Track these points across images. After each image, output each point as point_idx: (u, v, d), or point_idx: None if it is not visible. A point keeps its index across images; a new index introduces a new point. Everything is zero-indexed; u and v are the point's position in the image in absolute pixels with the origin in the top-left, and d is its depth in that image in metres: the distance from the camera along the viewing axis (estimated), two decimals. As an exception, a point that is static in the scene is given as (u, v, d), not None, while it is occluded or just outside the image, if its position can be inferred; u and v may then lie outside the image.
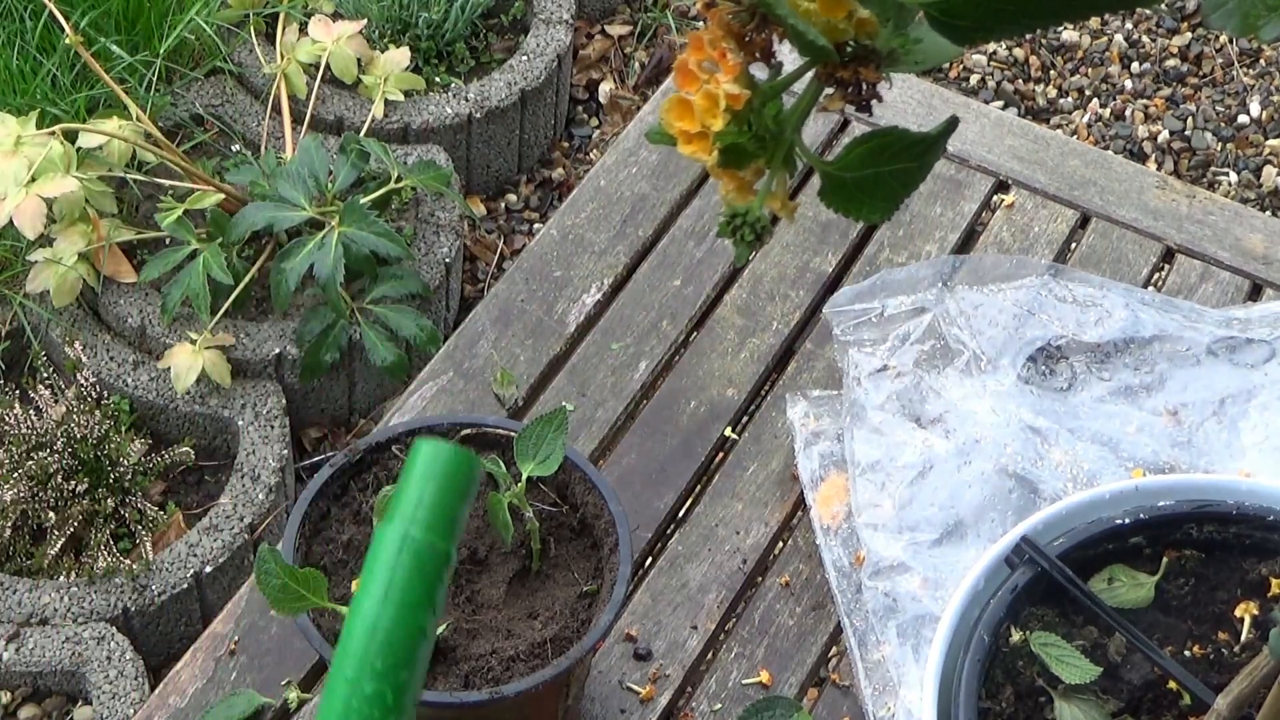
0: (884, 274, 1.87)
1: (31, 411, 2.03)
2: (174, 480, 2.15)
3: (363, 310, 2.19)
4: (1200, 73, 2.83)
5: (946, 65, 2.81)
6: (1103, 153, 2.10)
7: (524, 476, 1.46)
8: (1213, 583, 1.41)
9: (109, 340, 2.17)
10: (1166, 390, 1.79)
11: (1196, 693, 1.33)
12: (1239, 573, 1.41)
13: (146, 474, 2.05)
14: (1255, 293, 1.94)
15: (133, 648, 1.91)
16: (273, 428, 2.10)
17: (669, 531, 1.71)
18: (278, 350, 2.16)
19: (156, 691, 1.60)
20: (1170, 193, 2.02)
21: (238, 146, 2.37)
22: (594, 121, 2.73)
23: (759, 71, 0.74)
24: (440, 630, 1.43)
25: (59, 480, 1.98)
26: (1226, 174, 2.68)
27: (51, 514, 1.98)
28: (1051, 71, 2.83)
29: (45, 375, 2.09)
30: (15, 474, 1.97)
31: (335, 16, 2.47)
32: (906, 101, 2.10)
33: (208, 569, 1.98)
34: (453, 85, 2.54)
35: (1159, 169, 2.67)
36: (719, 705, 1.59)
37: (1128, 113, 2.76)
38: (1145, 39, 2.87)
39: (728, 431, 1.79)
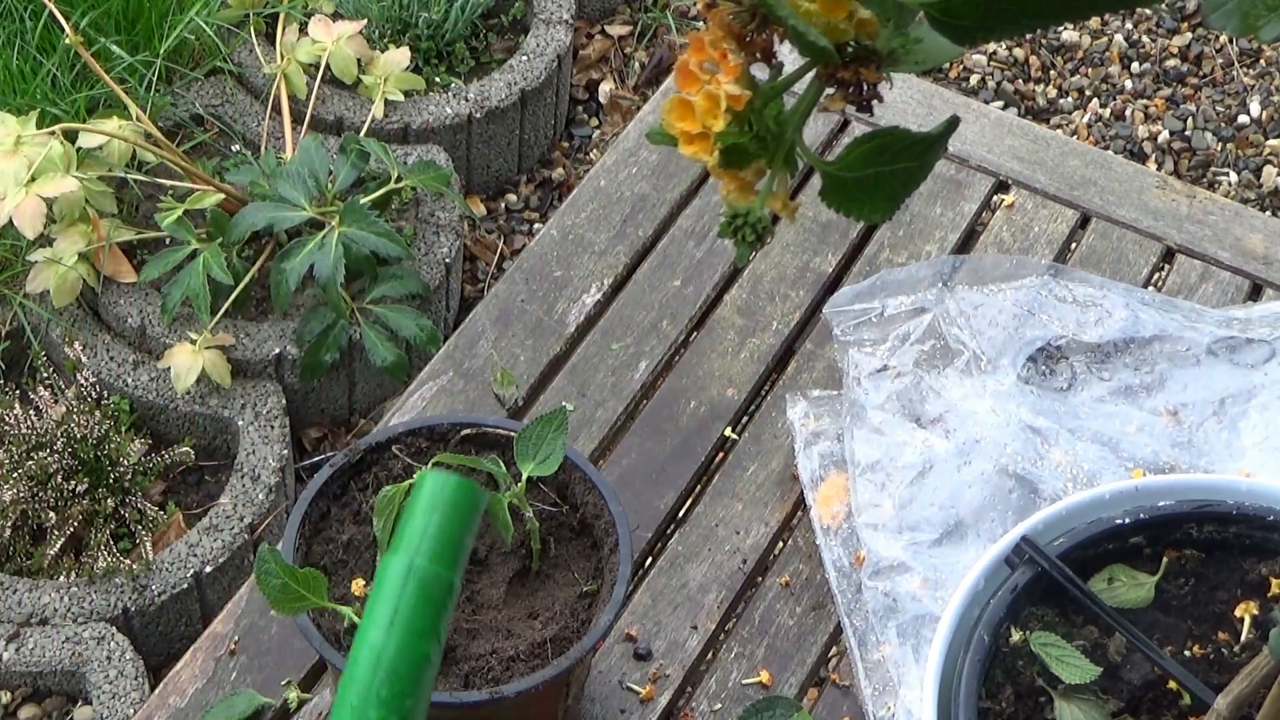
0: (884, 274, 1.87)
1: (31, 411, 2.03)
2: (174, 480, 2.15)
3: (363, 310, 2.19)
4: (1200, 73, 2.83)
5: (947, 65, 2.81)
6: (1103, 153, 2.10)
7: (524, 476, 1.46)
8: (1213, 583, 1.41)
9: (109, 340, 2.17)
10: (1166, 390, 1.79)
11: (1196, 693, 1.33)
12: (1239, 573, 1.41)
13: (146, 474, 2.05)
14: (1255, 293, 1.94)
15: (133, 648, 1.91)
16: (273, 428, 2.10)
17: (669, 531, 1.71)
18: (278, 350, 2.16)
19: (156, 691, 1.60)
20: (1170, 193, 2.02)
21: (238, 146, 2.37)
22: (594, 121, 2.73)
23: (760, 72, 0.74)
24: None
25: (59, 480, 1.98)
26: (1226, 174, 2.68)
27: (51, 514, 1.98)
28: (1051, 71, 2.83)
29: (45, 375, 2.09)
30: (15, 474, 1.97)
31: (335, 16, 2.47)
32: (907, 101, 2.10)
33: (208, 569, 1.98)
34: (453, 85, 2.54)
35: (1159, 169, 2.67)
36: (719, 705, 1.59)
37: (1128, 113, 2.76)
38: (1145, 39, 2.87)
39: (728, 431, 1.79)
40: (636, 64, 2.80)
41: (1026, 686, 1.35)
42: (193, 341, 2.11)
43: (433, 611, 0.74)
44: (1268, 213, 2.42)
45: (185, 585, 1.97)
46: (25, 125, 2.10)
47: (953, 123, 0.74)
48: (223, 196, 2.20)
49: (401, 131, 2.42)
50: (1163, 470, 1.70)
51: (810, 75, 0.73)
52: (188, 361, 2.09)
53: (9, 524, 1.98)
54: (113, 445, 2.02)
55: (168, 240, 2.19)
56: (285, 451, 2.09)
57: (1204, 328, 1.83)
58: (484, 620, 1.46)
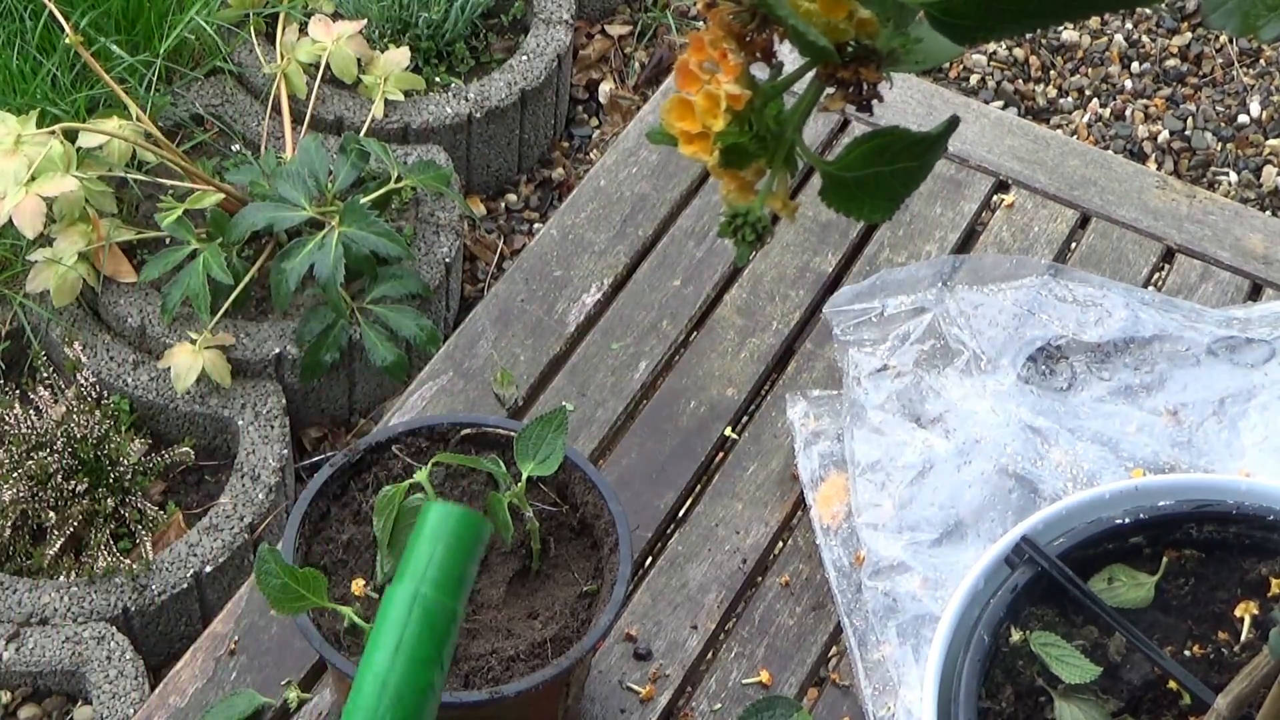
0: (884, 274, 1.87)
1: (31, 411, 2.03)
2: (174, 480, 2.15)
3: (363, 310, 2.19)
4: (1200, 73, 2.83)
5: (947, 65, 2.81)
6: (1103, 153, 2.10)
7: (524, 476, 1.46)
8: (1213, 582, 1.41)
9: (109, 340, 2.17)
10: (1166, 390, 1.79)
11: (1196, 692, 1.33)
12: (1239, 572, 1.41)
13: (146, 474, 2.05)
14: (1255, 293, 1.94)
15: (133, 647, 1.91)
16: (273, 428, 2.10)
17: (669, 531, 1.71)
18: (278, 350, 2.16)
19: (156, 691, 1.60)
20: (1170, 193, 2.02)
21: (238, 146, 2.37)
22: (594, 121, 2.73)
23: (760, 72, 0.74)
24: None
25: (59, 480, 1.98)
26: (1226, 174, 2.68)
27: (51, 514, 1.98)
28: (1051, 71, 2.83)
29: (45, 375, 2.09)
30: (15, 474, 1.97)
31: (335, 16, 2.47)
32: (907, 101, 2.10)
33: (208, 569, 1.98)
34: (453, 85, 2.54)
35: (1159, 169, 2.67)
36: (719, 705, 1.59)
37: (1128, 113, 2.76)
38: (1145, 39, 2.87)
39: (728, 431, 1.79)
40: (636, 64, 2.80)
41: (1026, 686, 1.35)
42: (193, 341, 2.11)
43: (437, 640, 0.75)
44: (1268, 212, 2.42)
45: (185, 585, 1.97)
46: (25, 125, 2.10)
47: (952, 122, 0.74)
48: (223, 196, 2.20)
49: (401, 131, 2.42)
50: (1163, 470, 1.70)
51: (810, 75, 0.73)
52: (188, 361, 2.09)
53: (9, 524, 1.98)
54: (113, 445, 2.02)
55: (168, 240, 2.19)
56: (285, 451, 2.09)
57: (1204, 328, 1.83)
58: (484, 620, 1.46)
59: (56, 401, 2.05)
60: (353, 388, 2.26)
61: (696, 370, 1.84)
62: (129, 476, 2.02)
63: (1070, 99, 2.79)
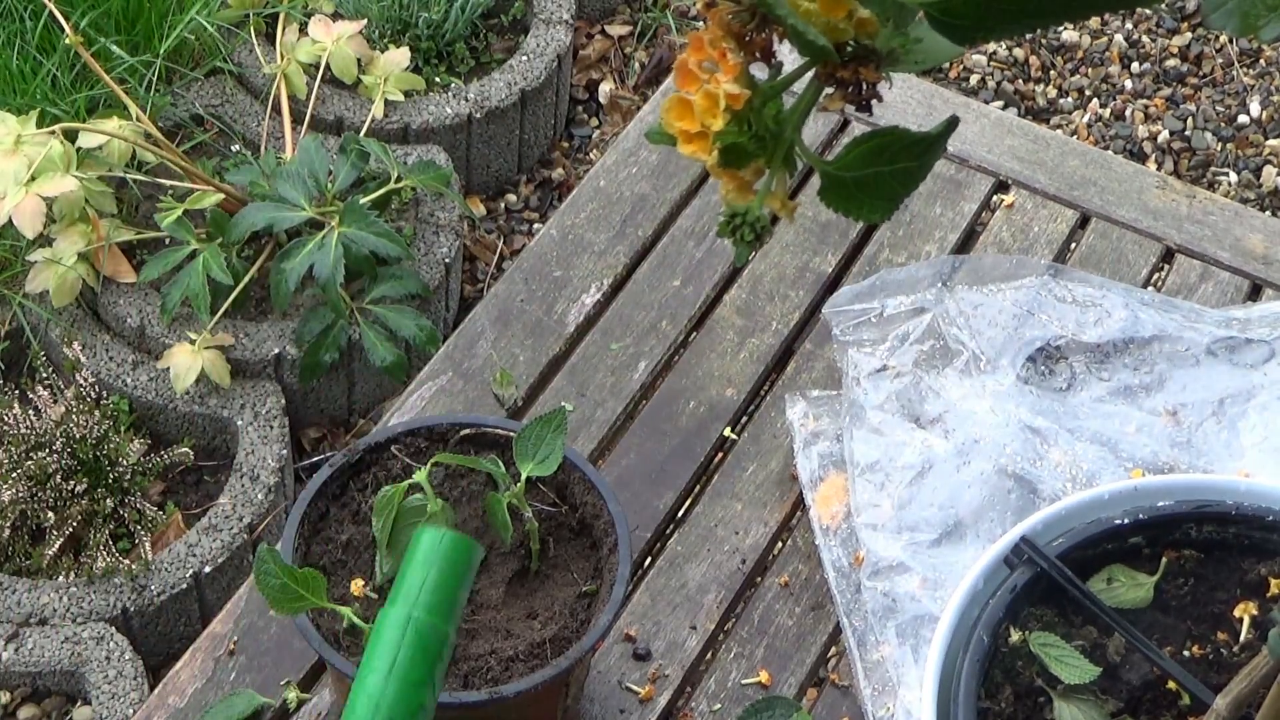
0: (884, 274, 1.87)
1: (30, 412, 2.03)
2: (173, 480, 2.15)
3: (362, 310, 2.19)
4: (1200, 73, 2.83)
5: (946, 65, 2.81)
6: (1103, 153, 2.10)
7: (523, 476, 1.46)
8: (1212, 583, 1.41)
9: (108, 340, 2.17)
10: (1166, 390, 1.78)
11: (1196, 693, 1.33)
12: (1238, 573, 1.41)
13: (146, 474, 2.05)
14: (1255, 293, 1.94)
15: (132, 648, 1.91)
16: (272, 428, 2.10)
17: (668, 531, 1.71)
18: (277, 350, 2.16)
19: (156, 691, 1.60)
20: (1170, 193, 2.02)
21: (238, 146, 2.37)
22: (594, 121, 2.73)
23: (759, 71, 0.74)
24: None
25: (58, 480, 1.98)
26: (1226, 174, 2.68)
27: (50, 514, 1.98)
28: (1051, 71, 2.83)
29: (45, 375, 2.09)
30: (14, 474, 1.97)
31: (335, 16, 2.47)
32: (907, 101, 2.10)
33: (207, 569, 1.98)
34: (453, 85, 2.54)
35: (1159, 169, 2.67)
36: (718, 705, 1.59)
37: (1128, 113, 2.76)
38: (1145, 39, 2.87)
39: (727, 431, 1.79)
40: (636, 64, 2.80)
41: (1026, 687, 1.35)
42: (192, 341, 2.11)
43: (429, 662, 0.77)
44: (1267, 213, 2.42)
45: (184, 585, 1.97)
46: (25, 125, 2.10)
47: (952, 123, 0.74)
48: (222, 196, 2.20)
49: (401, 131, 2.42)
50: (1162, 470, 1.70)
51: (809, 75, 0.73)
52: (187, 361, 2.09)
53: (8, 524, 1.97)
54: (112, 445, 2.02)
55: (167, 240, 2.19)
56: (284, 451, 2.09)
57: (1203, 328, 1.83)
58: (483, 620, 1.46)
59: (56, 402, 2.05)
60: (352, 388, 2.26)
61: (696, 370, 1.84)
62: (128, 477, 2.02)
63: (1070, 99, 2.79)
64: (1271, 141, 2.71)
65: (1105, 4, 0.71)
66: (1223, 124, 2.74)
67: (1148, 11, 2.88)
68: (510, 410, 1.79)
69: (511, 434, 1.51)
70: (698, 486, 1.75)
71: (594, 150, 2.68)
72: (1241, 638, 1.38)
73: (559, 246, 1.94)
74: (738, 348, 1.86)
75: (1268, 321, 1.84)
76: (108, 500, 1.99)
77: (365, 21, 2.46)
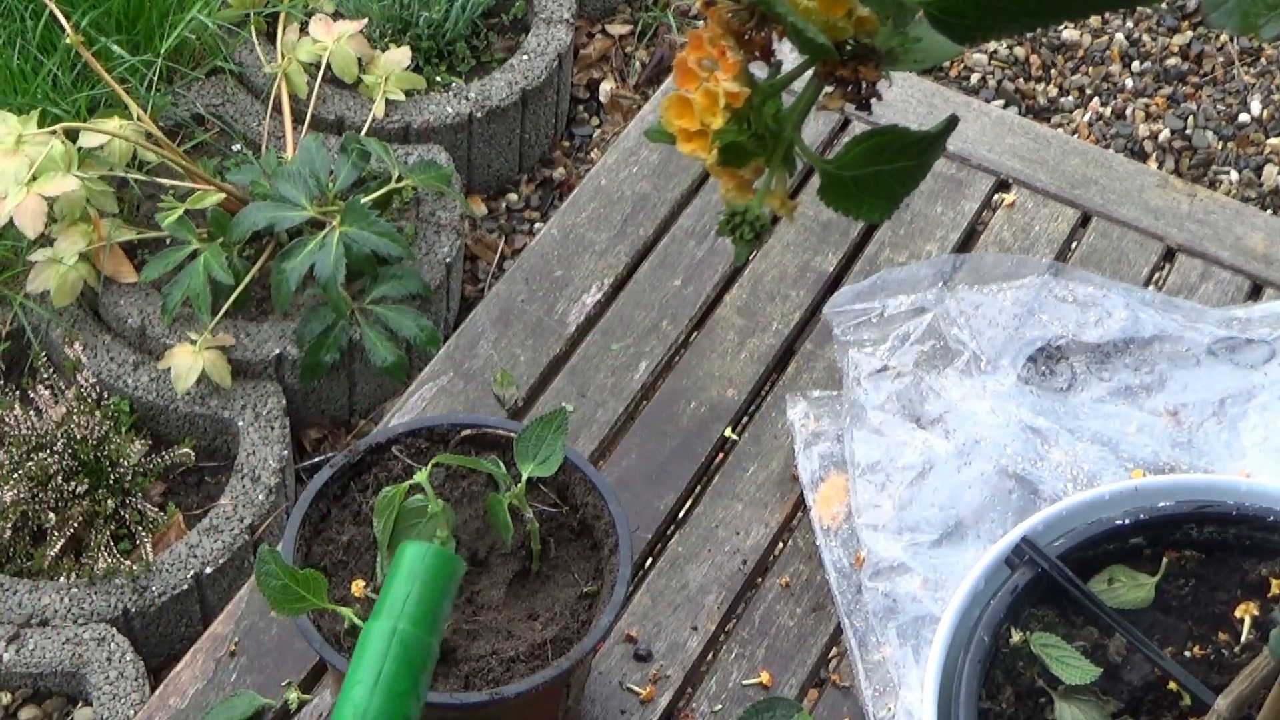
0: (884, 274, 1.87)
1: (31, 412, 2.03)
2: (174, 481, 2.15)
3: (363, 310, 2.19)
4: (1201, 71, 2.83)
5: (947, 64, 2.81)
6: (1103, 151, 2.10)
7: (524, 477, 1.46)
8: (1213, 583, 1.41)
9: (109, 340, 2.17)
10: (1166, 390, 1.78)
11: (1196, 693, 1.33)
12: (1239, 573, 1.41)
13: (146, 475, 2.05)
14: (1256, 292, 1.93)
15: (133, 649, 1.91)
16: (273, 428, 2.10)
17: (669, 532, 1.71)
18: (278, 350, 2.16)
19: (157, 693, 1.60)
20: (1171, 192, 2.02)
21: (238, 146, 2.37)
22: (595, 121, 2.73)
23: (759, 70, 0.74)
24: (440, 631, 1.43)
25: (59, 481, 1.98)
26: (1227, 173, 2.67)
27: (51, 515, 1.98)
28: (1052, 70, 2.83)
29: (45, 376, 2.09)
30: (15, 475, 1.97)
31: (336, 16, 2.47)
32: (907, 100, 2.10)
33: (208, 570, 1.98)
34: (453, 85, 2.54)
35: (1160, 168, 2.67)
36: (719, 706, 1.58)
37: (1128, 111, 2.76)
38: (1146, 38, 2.87)
39: (728, 432, 1.79)
40: (637, 63, 2.80)
41: (1026, 687, 1.35)
42: (193, 342, 2.11)
43: (414, 673, 0.79)
44: (1269, 211, 2.41)
45: (185, 586, 1.97)
46: (26, 125, 2.10)
47: (951, 122, 0.74)
48: (223, 196, 2.20)
49: (402, 131, 2.42)
50: (1163, 470, 1.70)
51: (809, 73, 0.73)
52: (188, 362, 2.09)
53: (9, 525, 1.97)
54: (113, 446, 2.02)
55: (168, 240, 2.19)
56: (285, 452, 2.09)
57: (1204, 328, 1.83)
58: (484, 621, 1.46)
59: (57, 402, 2.05)
60: (353, 388, 2.26)
61: (696, 371, 1.83)
62: (129, 477, 2.02)
63: (1071, 98, 2.79)
64: (1272, 140, 2.71)
65: (1105, 3, 0.71)
66: (1224, 123, 2.74)
67: (1148, 10, 2.88)
68: (511, 411, 1.79)
69: (512, 435, 1.51)
70: (698, 487, 1.75)
71: (595, 149, 2.68)
72: (1242, 638, 1.37)
73: (560, 246, 1.94)
74: (738, 348, 1.86)
75: (1269, 321, 1.84)
76: (109, 501, 1.99)
77: (366, 21, 2.46)
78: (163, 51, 2.34)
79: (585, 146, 2.69)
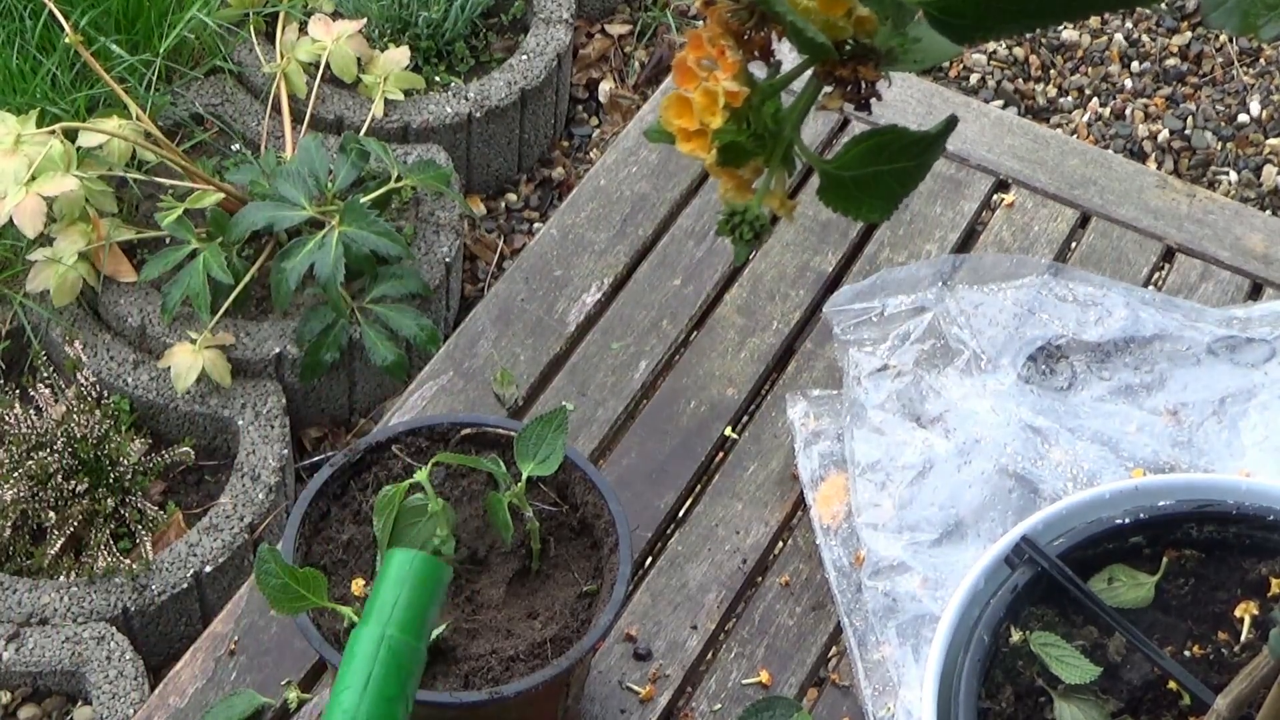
0: (884, 273, 1.87)
1: (31, 411, 2.03)
2: (174, 480, 2.15)
3: (363, 310, 2.19)
4: (1200, 72, 2.83)
5: (946, 64, 2.81)
6: (1103, 152, 2.10)
7: (524, 476, 1.46)
8: (1213, 583, 1.41)
9: (109, 340, 2.17)
10: (1167, 390, 1.78)
11: (1196, 693, 1.33)
12: (1239, 572, 1.41)
13: (146, 474, 2.05)
14: (1255, 292, 1.94)
15: (133, 648, 1.91)
16: (273, 427, 2.10)
17: (669, 531, 1.71)
18: (278, 350, 2.16)
19: (156, 691, 1.60)
20: (1170, 192, 2.02)
21: (238, 146, 2.37)
22: (594, 121, 2.73)
23: (758, 70, 0.74)
24: (440, 630, 1.43)
25: (59, 480, 1.98)
26: (1227, 173, 2.68)
27: (51, 514, 1.98)
28: (1051, 71, 2.83)
29: (45, 375, 2.09)
30: (15, 474, 1.97)
31: (335, 16, 2.47)
32: (906, 100, 2.10)
33: (208, 569, 1.98)
34: (453, 84, 2.54)
35: (1159, 168, 2.67)
36: (719, 705, 1.59)
37: (1128, 112, 2.76)
38: (1145, 38, 2.87)
39: (728, 431, 1.79)
40: (636, 63, 2.80)
41: (1026, 686, 1.35)
42: (193, 341, 2.11)
43: (402, 677, 0.81)
44: (1268, 212, 2.42)
45: (185, 585, 1.97)
46: (25, 124, 2.10)
47: (951, 122, 0.74)
48: (223, 196, 2.20)
49: (401, 131, 2.42)
50: (1163, 470, 1.70)
51: (808, 73, 0.73)
52: (188, 361, 2.09)
53: (9, 524, 1.97)
54: (113, 445, 2.02)
55: (168, 239, 2.19)
56: (285, 451, 2.09)
57: (1204, 327, 1.83)
58: (484, 620, 1.46)
59: (57, 401, 2.05)
60: (353, 387, 2.26)
61: (696, 370, 1.83)
62: (129, 476, 2.02)
63: (1070, 98, 2.79)
64: (1271, 140, 2.71)
65: (1105, 3, 0.71)
66: (1223, 123, 2.74)
67: (1148, 11, 2.88)
68: (511, 410, 1.79)
69: (512, 433, 1.51)
70: (698, 486, 1.75)
71: (594, 149, 2.68)
72: (1242, 638, 1.37)
73: (559, 246, 1.94)
74: (738, 347, 1.86)
75: (1268, 320, 1.84)
76: (109, 500, 1.99)
77: (365, 21, 2.46)
78: (162, 51, 2.34)
79: (584, 146, 2.69)
